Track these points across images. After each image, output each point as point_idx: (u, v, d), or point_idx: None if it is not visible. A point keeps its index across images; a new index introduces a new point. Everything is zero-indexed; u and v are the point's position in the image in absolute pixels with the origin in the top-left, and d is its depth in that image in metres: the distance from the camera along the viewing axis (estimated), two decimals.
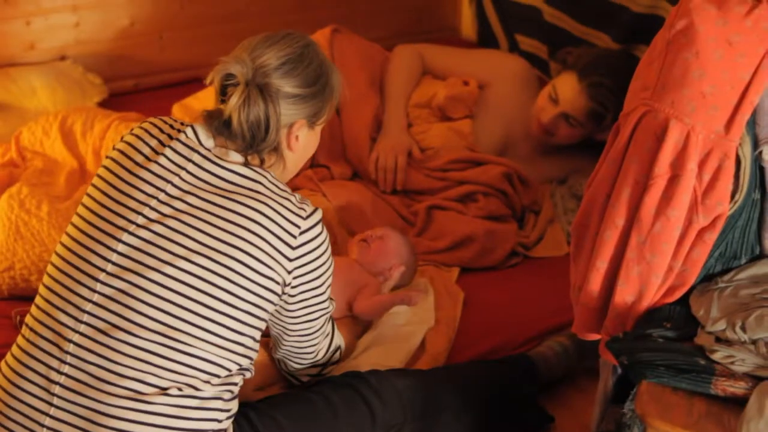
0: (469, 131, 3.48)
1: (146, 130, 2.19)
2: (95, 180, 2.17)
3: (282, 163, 2.21)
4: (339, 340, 2.42)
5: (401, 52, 3.69)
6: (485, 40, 4.40)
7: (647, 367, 1.99)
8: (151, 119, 2.23)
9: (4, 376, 2.09)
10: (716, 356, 1.98)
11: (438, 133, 3.48)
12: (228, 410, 2.12)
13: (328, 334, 2.35)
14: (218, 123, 2.13)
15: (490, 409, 2.55)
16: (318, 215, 2.15)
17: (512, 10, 4.17)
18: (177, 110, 3.54)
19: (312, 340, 2.29)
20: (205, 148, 2.14)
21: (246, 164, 2.13)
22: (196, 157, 2.13)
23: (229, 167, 2.12)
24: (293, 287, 2.13)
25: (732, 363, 1.96)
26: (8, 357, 2.12)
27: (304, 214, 2.12)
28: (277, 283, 2.10)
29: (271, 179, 2.15)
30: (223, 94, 2.14)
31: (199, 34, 4.10)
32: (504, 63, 3.73)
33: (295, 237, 2.10)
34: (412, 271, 2.91)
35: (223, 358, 2.06)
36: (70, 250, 2.11)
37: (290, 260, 2.10)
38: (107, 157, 2.19)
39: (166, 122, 2.21)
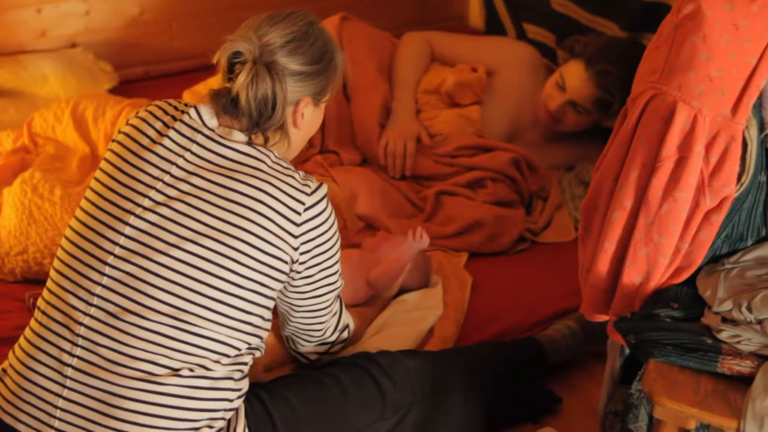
0: (478, 117, 3.49)
1: (151, 113, 2.20)
2: (102, 164, 2.18)
3: (287, 140, 2.21)
4: (347, 319, 2.43)
5: (410, 39, 3.70)
6: (493, 28, 4.38)
7: (655, 346, 2.00)
8: (156, 102, 2.24)
9: (18, 359, 2.11)
10: (723, 336, 2.00)
11: (447, 119, 3.50)
12: (239, 389, 2.13)
13: (336, 312, 2.35)
14: (225, 101, 2.13)
15: (498, 390, 2.57)
16: (322, 191, 2.15)
17: None
18: (187, 97, 3.55)
19: (320, 318, 2.30)
20: (209, 128, 2.15)
21: (249, 143, 2.14)
22: (199, 138, 2.13)
23: (233, 146, 2.12)
24: (300, 263, 2.13)
25: (738, 342, 1.98)
26: (21, 340, 2.14)
27: (308, 191, 2.12)
28: (284, 261, 2.10)
29: (275, 158, 2.15)
30: (231, 72, 2.13)
31: (208, 22, 4.10)
32: (512, 50, 3.73)
33: (299, 213, 2.10)
34: (425, 273, 2.90)
35: (233, 337, 2.08)
36: (78, 234, 2.12)
37: (295, 237, 2.10)
38: (113, 140, 2.20)
39: (170, 104, 2.22)
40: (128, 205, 2.09)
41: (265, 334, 2.18)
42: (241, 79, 2.09)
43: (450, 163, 3.40)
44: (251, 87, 2.09)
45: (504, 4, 4.28)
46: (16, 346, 2.15)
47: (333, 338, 2.39)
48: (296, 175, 2.14)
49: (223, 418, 2.11)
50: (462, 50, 3.69)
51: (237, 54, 2.11)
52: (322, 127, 3.46)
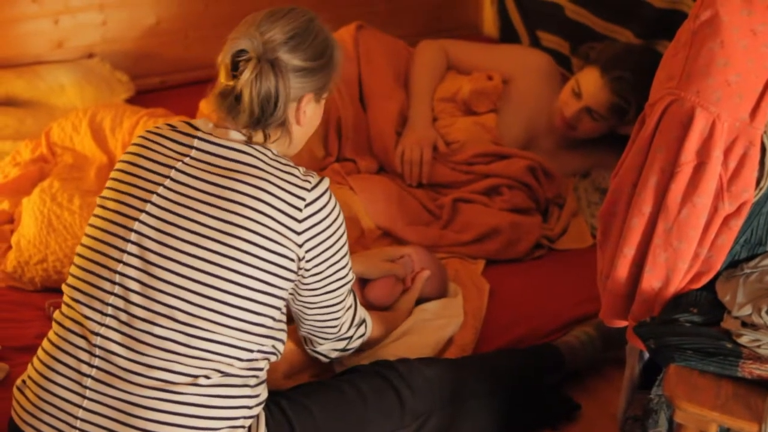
0: (494, 125, 3.49)
1: (149, 133, 2.21)
2: (109, 182, 2.18)
3: (288, 137, 2.20)
4: (363, 313, 2.42)
5: (426, 47, 3.70)
6: (507, 36, 4.39)
7: (675, 350, 2.01)
8: (150, 128, 2.24)
9: (37, 371, 2.12)
10: (742, 340, 1.99)
11: (463, 127, 3.50)
12: (256, 396, 2.14)
13: (350, 307, 2.34)
14: (231, 100, 2.11)
15: (516, 398, 2.56)
16: (324, 185, 2.14)
17: (534, 6, 4.17)
18: (204, 106, 3.57)
19: (334, 313, 2.28)
20: (205, 132, 2.15)
21: (247, 142, 2.13)
22: (196, 142, 2.13)
23: (230, 146, 2.12)
24: (307, 261, 2.12)
25: (758, 346, 1.98)
26: (40, 352, 2.15)
27: (309, 186, 2.10)
28: (290, 259, 2.09)
29: (273, 155, 2.14)
30: (235, 69, 2.11)
31: (223, 33, 4.03)
32: (528, 58, 3.74)
33: (300, 210, 2.08)
34: (443, 281, 2.91)
35: (244, 340, 2.07)
36: (88, 247, 2.13)
37: (298, 234, 2.09)
38: (120, 160, 2.21)
39: (161, 127, 2.22)
40: (132, 213, 2.10)
41: (280, 337, 2.18)
42: (246, 76, 2.07)
43: (466, 171, 3.40)
44: (255, 84, 2.08)
45: (518, 12, 4.29)
46: (35, 358, 2.16)
47: (350, 333, 2.38)
48: (296, 171, 2.13)
49: (242, 426, 2.11)
50: (478, 58, 3.70)
51: (241, 52, 2.10)
52: (339, 136, 3.47)
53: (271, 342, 2.15)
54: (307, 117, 2.21)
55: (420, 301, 2.82)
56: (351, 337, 2.40)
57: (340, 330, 2.34)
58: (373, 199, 3.21)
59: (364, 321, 2.43)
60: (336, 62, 2.23)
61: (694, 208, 2.07)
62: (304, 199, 2.09)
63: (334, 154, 3.44)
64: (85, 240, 2.16)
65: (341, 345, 2.40)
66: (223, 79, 2.13)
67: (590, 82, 3.36)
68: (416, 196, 3.34)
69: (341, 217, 2.19)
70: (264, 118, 2.11)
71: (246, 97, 2.08)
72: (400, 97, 3.54)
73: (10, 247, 3.02)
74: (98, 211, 2.16)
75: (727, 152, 2.05)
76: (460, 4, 4.65)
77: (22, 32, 3.83)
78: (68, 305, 2.13)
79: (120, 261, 2.07)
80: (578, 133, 3.48)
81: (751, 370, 1.96)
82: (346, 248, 2.22)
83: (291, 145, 2.23)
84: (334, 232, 2.16)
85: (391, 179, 3.38)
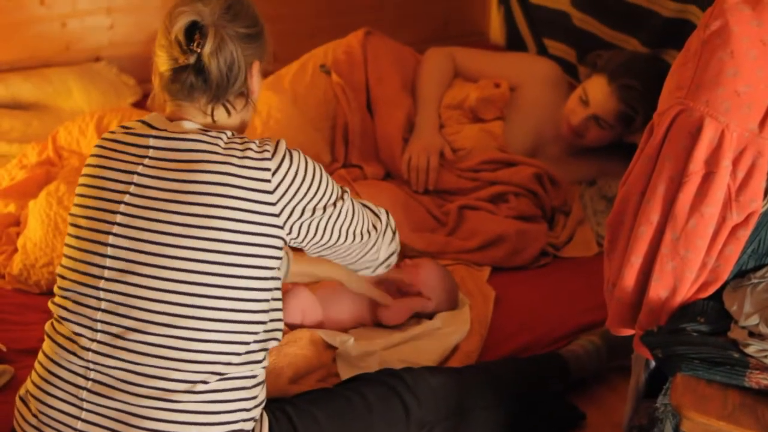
0: (501, 132, 3.50)
1: (104, 141, 2.19)
2: (76, 198, 2.16)
3: (251, 105, 2.20)
4: (380, 211, 2.43)
5: (433, 54, 3.71)
6: (513, 44, 4.41)
7: (682, 360, 2.00)
8: (105, 135, 2.22)
9: (35, 385, 2.12)
10: (750, 350, 1.99)
11: (470, 134, 3.51)
12: (254, 398, 2.12)
13: (370, 228, 2.35)
14: (189, 78, 2.09)
15: (521, 406, 2.56)
16: (282, 147, 2.10)
17: (541, 14, 4.18)
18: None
19: (365, 248, 2.34)
20: (158, 129, 2.12)
21: (203, 131, 2.10)
22: (152, 141, 2.10)
23: (185, 137, 2.09)
24: (298, 223, 2.12)
25: (765, 356, 1.98)
26: (36, 365, 2.15)
27: (268, 155, 2.08)
28: (274, 226, 2.08)
29: (228, 138, 2.11)
30: (190, 43, 2.07)
31: None
32: (535, 65, 3.74)
33: (269, 181, 2.06)
34: (454, 298, 2.91)
35: (240, 332, 2.06)
36: (69, 268, 2.12)
37: (274, 204, 2.06)
38: (82, 174, 2.18)
39: (116, 131, 2.20)
40: (104, 227, 2.08)
41: (277, 317, 2.17)
42: (209, 45, 2.05)
43: (473, 178, 3.40)
44: (220, 53, 2.07)
45: (525, 20, 4.30)
46: (33, 372, 2.16)
47: (386, 230, 2.41)
48: (252, 145, 2.09)
49: (242, 429, 2.10)
50: (485, 66, 3.71)
51: (193, 24, 2.07)
52: (346, 142, 3.48)
53: (266, 327, 2.13)
54: (256, 88, 2.21)
55: (431, 315, 2.84)
56: (388, 225, 2.43)
57: (378, 251, 2.39)
58: (379, 205, 3.20)
59: (385, 213, 2.45)
60: (266, 31, 2.22)
61: (702, 218, 2.07)
62: (269, 169, 2.07)
63: (341, 160, 3.45)
64: (64, 261, 2.14)
65: (390, 235, 2.44)
66: (176, 56, 2.09)
67: (597, 90, 3.36)
68: (422, 202, 3.34)
69: (314, 166, 2.16)
70: (228, 87, 2.10)
71: (214, 68, 2.07)
72: (407, 104, 3.54)
73: (16, 250, 3.03)
74: (71, 230, 2.14)
75: (736, 162, 2.05)
76: (468, 12, 4.67)
77: (29, 35, 3.85)
78: (58, 322, 2.13)
79: (101, 277, 2.06)
80: (585, 141, 3.49)
81: (759, 380, 1.95)
82: (335, 190, 2.21)
83: (252, 113, 2.24)
84: (312, 183, 2.13)
85: (397, 186, 3.39)
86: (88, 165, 2.17)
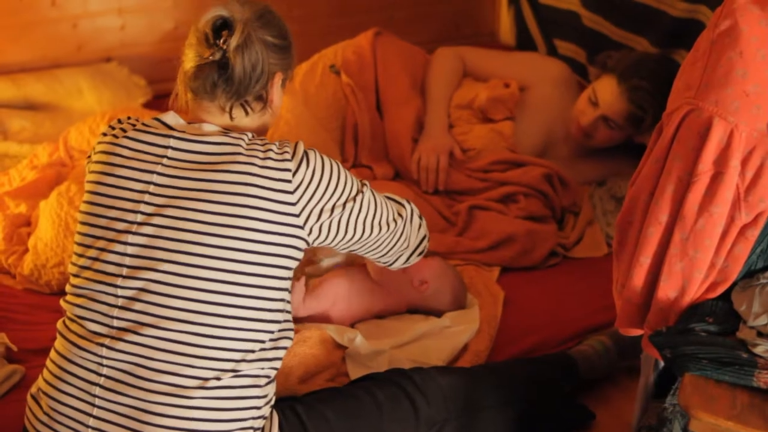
0: (510, 133, 3.49)
1: (111, 129, 2.20)
2: (87, 195, 2.16)
3: (269, 110, 2.21)
4: (405, 203, 2.43)
5: (443, 54, 3.71)
6: (523, 44, 4.40)
7: (690, 360, 2.00)
8: (111, 123, 2.22)
9: (47, 382, 2.13)
10: (758, 350, 1.99)
11: (479, 134, 3.51)
12: (265, 396, 2.13)
13: (400, 222, 2.35)
14: (212, 74, 2.10)
15: (531, 406, 2.56)
16: (301, 148, 2.12)
17: (551, 14, 4.18)
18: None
19: (392, 242, 2.35)
20: (178, 130, 2.13)
21: (224, 132, 2.12)
22: (172, 141, 2.11)
23: (207, 140, 2.10)
24: (319, 223, 2.13)
25: None
26: (49, 363, 2.16)
27: (288, 156, 2.09)
28: (295, 226, 2.09)
29: (249, 140, 2.12)
30: (217, 38, 2.09)
31: None
32: (544, 66, 3.75)
33: (289, 182, 2.08)
34: (461, 296, 2.91)
35: (256, 330, 2.07)
36: (85, 267, 2.12)
37: (294, 205, 2.08)
38: (89, 172, 2.19)
39: (124, 120, 2.22)
40: (122, 226, 2.08)
41: (288, 319, 2.18)
42: (235, 41, 2.07)
43: (482, 178, 3.41)
44: (245, 50, 2.08)
45: (535, 20, 4.29)
46: (45, 370, 2.16)
47: (412, 217, 2.42)
48: (273, 147, 2.11)
49: (252, 427, 2.11)
50: (494, 66, 3.71)
51: (222, 19, 2.10)
52: (356, 142, 3.48)
53: (280, 327, 2.14)
54: (276, 100, 2.22)
55: (438, 314, 2.84)
56: (412, 213, 2.43)
57: (407, 242, 2.40)
58: None
59: (409, 204, 2.44)
60: (294, 48, 2.24)
61: (711, 218, 2.06)
62: (289, 170, 2.08)
63: (351, 160, 3.46)
64: (75, 258, 2.14)
65: (417, 222, 2.45)
66: (202, 51, 2.11)
67: (607, 91, 3.36)
68: (432, 202, 3.35)
69: (333, 165, 2.17)
70: (249, 86, 2.12)
71: (238, 65, 2.08)
72: (416, 104, 3.54)
73: (27, 250, 3.04)
74: (82, 228, 2.14)
75: (745, 162, 2.04)
76: (478, 12, 4.67)
77: (40, 36, 3.86)
78: (72, 320, 2.13)
79: (120, 275, 2.07)
80: (594, 141, 3.48)
81: (767, 380, 1.95)
82: (355, 186, 2.22)
83: (270, 120, 2.25)
84: (330, 182, 2.15)
85: (407, 186, 3.39)
86: (98, 162, 2.17)
